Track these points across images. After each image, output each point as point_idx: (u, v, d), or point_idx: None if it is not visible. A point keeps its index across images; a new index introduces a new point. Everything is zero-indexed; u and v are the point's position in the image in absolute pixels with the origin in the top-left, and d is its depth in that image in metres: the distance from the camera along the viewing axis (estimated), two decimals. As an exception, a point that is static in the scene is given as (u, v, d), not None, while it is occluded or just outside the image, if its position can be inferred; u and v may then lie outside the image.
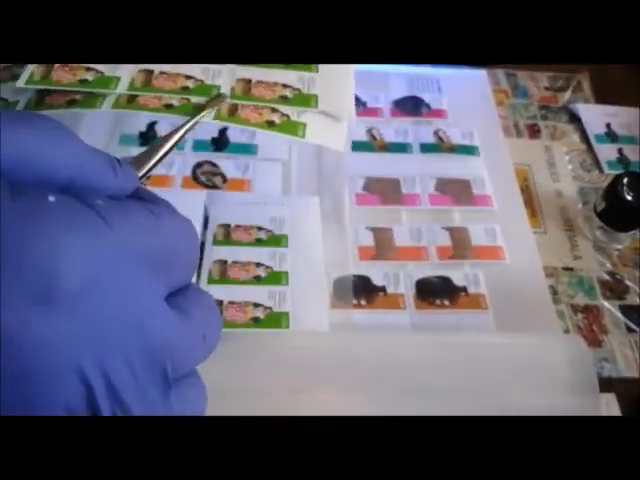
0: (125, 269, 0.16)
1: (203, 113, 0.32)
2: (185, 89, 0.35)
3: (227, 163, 0.43)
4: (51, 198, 0.15)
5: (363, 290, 0.38)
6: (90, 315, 0.15)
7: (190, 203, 0.39)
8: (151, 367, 0.17)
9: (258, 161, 0.43)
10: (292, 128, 0.33)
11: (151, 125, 0.43)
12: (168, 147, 0.29)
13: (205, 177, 0.42)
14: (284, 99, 0.34)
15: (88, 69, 0.34)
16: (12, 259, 0.14)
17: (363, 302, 0.38)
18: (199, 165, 0.42)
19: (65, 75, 0.33)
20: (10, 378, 0.15)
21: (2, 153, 0.15)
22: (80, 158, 0.17)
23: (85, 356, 0.15)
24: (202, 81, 0.35)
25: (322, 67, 0.35)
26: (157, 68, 0.34)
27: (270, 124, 0.33)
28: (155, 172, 0.41)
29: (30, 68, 0.33)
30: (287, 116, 0.33)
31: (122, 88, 0.33)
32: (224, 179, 0.42)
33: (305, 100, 0.33)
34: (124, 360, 0.16)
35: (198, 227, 0.38)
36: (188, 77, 0.36)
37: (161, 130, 0.44)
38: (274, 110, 0.34)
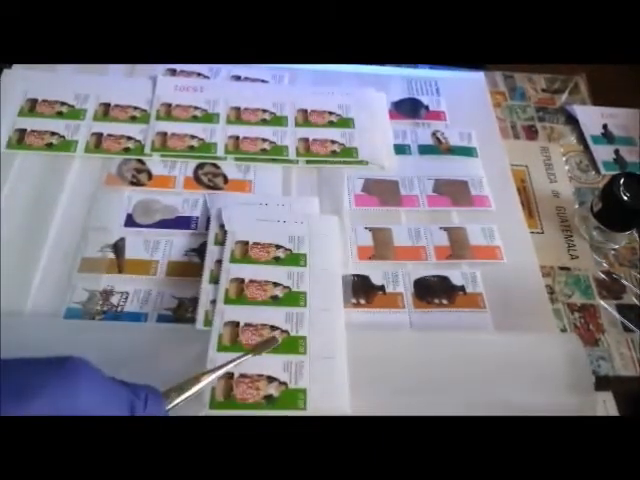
0: None
1: (248, 356, 0.32)
2: (191, 148, 0.42)
3: (228, 164, 0.43)
4: None
5: (362, 289, 0.38)
6: None
7: (190, 203, 0.40)
8: None
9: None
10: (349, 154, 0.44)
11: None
12: (206, 382, 0.30)
13: (207, 178, 0.42)
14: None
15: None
16: None
17: (362, 301, 0.38)
18: (201, 166, 0.43)
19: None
20: None
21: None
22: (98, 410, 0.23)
23: None
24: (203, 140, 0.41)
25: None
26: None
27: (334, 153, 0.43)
28: (157, 173, 0.42)
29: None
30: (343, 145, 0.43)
31: None
32: (225, 180, 0.42)
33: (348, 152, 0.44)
34: None
35: (199, 227, 0.38)
36: (192, 137, 0.43)
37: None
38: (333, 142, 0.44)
